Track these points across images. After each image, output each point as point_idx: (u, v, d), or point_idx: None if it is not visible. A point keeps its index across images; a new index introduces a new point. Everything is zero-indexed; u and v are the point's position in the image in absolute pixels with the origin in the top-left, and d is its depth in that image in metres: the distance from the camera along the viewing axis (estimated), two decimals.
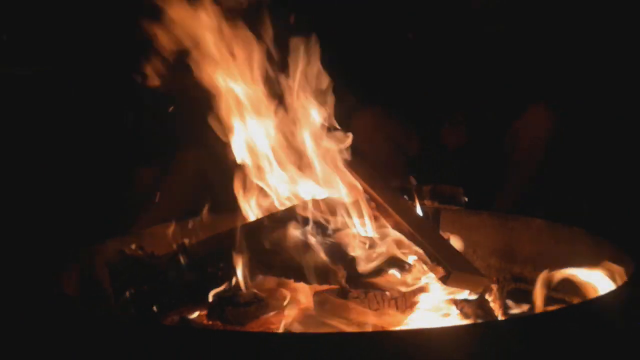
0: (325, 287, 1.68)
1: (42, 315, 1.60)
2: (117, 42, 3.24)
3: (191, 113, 1.93)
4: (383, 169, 2.05)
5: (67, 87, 3.51)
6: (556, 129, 2.99)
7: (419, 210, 1.94)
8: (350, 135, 1.98)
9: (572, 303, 1.81)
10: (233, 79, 1.92)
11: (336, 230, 1.79)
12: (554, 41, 3.15)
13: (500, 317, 1.69)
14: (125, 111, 2.92)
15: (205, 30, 1.91)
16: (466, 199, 1.97)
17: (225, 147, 1.92)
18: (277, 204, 1.91)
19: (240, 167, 1.92)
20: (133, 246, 1.84)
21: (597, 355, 1.49)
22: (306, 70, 1.95)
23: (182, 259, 1.72)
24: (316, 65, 1.95)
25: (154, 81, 1.93)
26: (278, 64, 1.95)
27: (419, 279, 1.70)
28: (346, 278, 1.66)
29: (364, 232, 1.80)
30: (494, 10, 3.14)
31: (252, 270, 1.71)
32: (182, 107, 1.92)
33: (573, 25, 3.24)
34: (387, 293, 1.66)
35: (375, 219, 1.83)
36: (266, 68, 1.93)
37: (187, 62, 1.92)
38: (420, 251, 1.72)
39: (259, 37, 1.93)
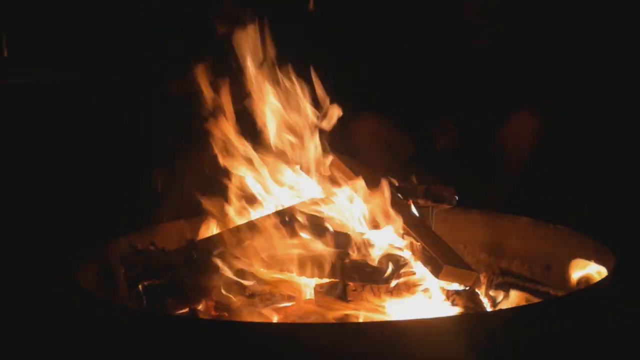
0: (326, 280, 1.72)
1: (60, 308, 1.68)
2: (122, 43, 3.27)
3: (198, 114, 1.97)
4: (379, 171, 2.09)
5: (69, 90, 3.53)
6: (543, 133, 3.01)
7: (413, 209, 1.99)
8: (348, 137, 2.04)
9: (556, 296, 1.85)
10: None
11: (336, 227, 1.84)
12: (553, 42, 3.16)
13: (489, 309, 1.76)
14: (135, 113, 2.95)
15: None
16: (457, 198, 2.01)
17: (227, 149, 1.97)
18: (278, 203, 1.96)
19: (244, 168, 1.98)
20: (146, 242, 1.88)
21: (579, 345, 1.57)
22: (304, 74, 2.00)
23: (191, 254, 1.77)
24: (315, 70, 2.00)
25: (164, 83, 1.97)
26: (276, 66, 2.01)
27: (413, 273, 1.75)
28: (345, 272, 1.71)
29: (362, 229, 1.87)
30: (487, 19, 3.16)
31: (257, 264, 1.77)
32: (189, 109, 1.97)
33: (571, 26, 3.26)
34: (384, 286, 1.70)
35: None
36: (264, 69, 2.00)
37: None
38: (415, 247, 1.79)
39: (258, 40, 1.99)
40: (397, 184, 2.03)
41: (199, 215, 1.94)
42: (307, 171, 2.00)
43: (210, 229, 1.92)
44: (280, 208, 1.91)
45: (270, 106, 1.98)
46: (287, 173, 2.00)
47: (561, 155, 3.20)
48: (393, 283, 1.72)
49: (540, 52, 3.13)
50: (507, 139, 3.05)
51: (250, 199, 1.97)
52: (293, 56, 1.98)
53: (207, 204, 1.92)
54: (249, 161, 1.97)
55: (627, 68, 3.37)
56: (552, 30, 3.19)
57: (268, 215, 1.86)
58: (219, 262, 1.74)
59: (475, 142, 3.15)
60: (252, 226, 1.83)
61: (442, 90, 3.17)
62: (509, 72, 3.10)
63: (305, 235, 1.80)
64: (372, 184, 1.94)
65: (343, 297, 1.68)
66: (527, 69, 3.11)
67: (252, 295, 1.70)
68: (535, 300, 1.80)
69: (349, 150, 2.05)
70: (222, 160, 1.97)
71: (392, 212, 1.87)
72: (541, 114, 3.04)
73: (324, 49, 3.05)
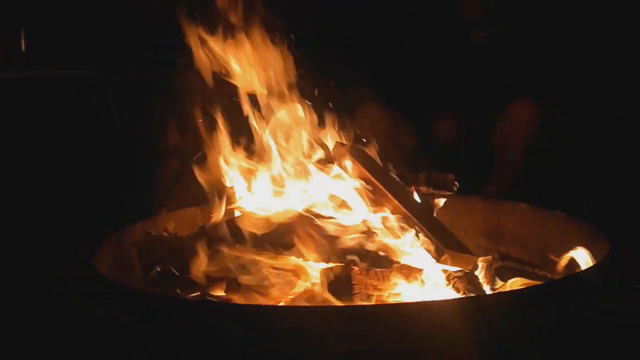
0: (331, 264, 1.74)
1: (78, 292, 1.73)
2: (122, 43, 3.30)
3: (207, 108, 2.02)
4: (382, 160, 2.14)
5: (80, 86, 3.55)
6: (542, 123, 3.04)
7: (415, 196, 2.01)
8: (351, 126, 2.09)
9: (553, 279, 1.92)
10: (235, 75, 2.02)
11: (339, 213, 1.89)
12: (553, 41, 3.19)
13: (489, 292, 1.79)
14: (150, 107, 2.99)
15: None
16: (457, 185, 2.04)
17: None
18: (280, 190, 1.99)
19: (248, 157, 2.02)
20: (159, 229, 1.93)
21: (575, 328, 1.62)
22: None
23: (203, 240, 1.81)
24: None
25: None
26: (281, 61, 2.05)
27: (416, 257, 1.79)
28: (349, 257, 1.75)
29: (366, 216, 1.89)
30: (487, 18, 3.20)
31: (265, 250, 1.80)
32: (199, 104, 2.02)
33: (571, 25, 3.30)
34: (387, 270, 1.73)
35: (375, 203, 1.92)
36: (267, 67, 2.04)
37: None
38: (416, 232, 1.81)
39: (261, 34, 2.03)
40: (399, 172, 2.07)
41: (210, 202, 1.98)
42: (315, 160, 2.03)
43: (221, 215, 1.94)
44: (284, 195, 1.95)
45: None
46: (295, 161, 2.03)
47: (561, 154, 3.23)
48: (395, 267, 1.74)
49: (540, 51, 3.16)
50: (505, 131, 3.09)
51: (258, 184, 2.01)
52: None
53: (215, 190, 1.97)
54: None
55: (627, 67, 3.39)
56: (552, 29, 3.22)
57: (275, 203, 1.91)
58: (229, 247, 1.78)
59: (475, 138, 3.18)
60: (256, 215, 1.87)
61: (442, 90, 3.20)
62: (509, 71, 3.13)
63: (310, 221, 1.83)
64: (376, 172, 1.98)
65: (348, 281, 1.70)
66: (527, 68, 3.13)
67: (260, 280, 1.74)
68: (533, 283, 1.85)
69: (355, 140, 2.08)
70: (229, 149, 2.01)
71: (393, 198, 1.90)
72: (539, 108, 3.09)
73: (324, 49, 3.09)
